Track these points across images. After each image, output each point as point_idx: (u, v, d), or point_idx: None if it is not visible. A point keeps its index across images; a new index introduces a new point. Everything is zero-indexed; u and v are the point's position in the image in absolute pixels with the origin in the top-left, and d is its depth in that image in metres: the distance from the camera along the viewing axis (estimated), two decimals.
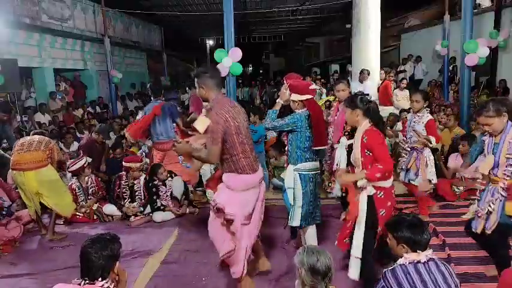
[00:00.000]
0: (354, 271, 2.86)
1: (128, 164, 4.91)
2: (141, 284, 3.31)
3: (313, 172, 3.39)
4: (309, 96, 3.34)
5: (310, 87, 3.37)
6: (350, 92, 4.13)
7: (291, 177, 3.37)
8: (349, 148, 3.86)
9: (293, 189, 3.37)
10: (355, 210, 2.86)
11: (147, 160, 5.77)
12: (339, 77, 10.41)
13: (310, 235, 3.49)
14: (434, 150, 4.83)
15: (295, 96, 3.34)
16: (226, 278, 3.27)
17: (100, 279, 1.99)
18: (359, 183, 2.81)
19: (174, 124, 5.29)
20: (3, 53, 8.66)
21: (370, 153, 2.78)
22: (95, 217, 4.87)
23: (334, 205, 4.83)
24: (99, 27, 12.35)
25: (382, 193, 2.81)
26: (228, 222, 2.81)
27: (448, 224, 4.15)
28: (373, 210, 2.80)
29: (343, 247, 3.05)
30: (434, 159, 4.98)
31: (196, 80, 2.88)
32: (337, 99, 4.44)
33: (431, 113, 5.10)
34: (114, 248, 2.07)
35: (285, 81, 3.47)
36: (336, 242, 3.11)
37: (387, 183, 2.84)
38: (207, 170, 5.58)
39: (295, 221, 3.40)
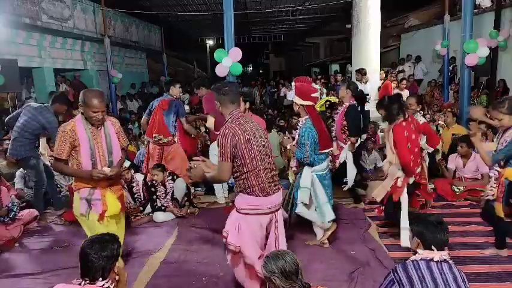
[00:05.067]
0: (405, 240, 3.35)
1: None
2: (141, 284, 3.30)
3: (325, 171, 3.71)
4: (309, 103, 3.50)
5: (312, 95, 3.49)
6: (356, 88, 4.77)
7: (308, 178, 3.60)
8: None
9: (310, 189, 3.60)
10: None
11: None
12: (340, 83, 10.36)
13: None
14: (435, 150, 4.84)
15: (297, 99, 3.55)
16: (226, 277, 3.27)
17: (100, 279, 1.99)
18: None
19: (176, 122, 5.28)
20: (3, 53, 8.66)
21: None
22: None
23: (335, 205, 4.82)
24: (99, 27, 12.35)
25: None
26: (236, 253, 2.64)
27: (447, 224, 4.13)
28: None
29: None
30: (434, 159, 4.99)
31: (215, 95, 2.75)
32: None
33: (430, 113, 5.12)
34: (113, 248, 2.07)
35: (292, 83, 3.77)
36: (377, 211, 4.12)
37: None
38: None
39: (329, 216, 3.68)
